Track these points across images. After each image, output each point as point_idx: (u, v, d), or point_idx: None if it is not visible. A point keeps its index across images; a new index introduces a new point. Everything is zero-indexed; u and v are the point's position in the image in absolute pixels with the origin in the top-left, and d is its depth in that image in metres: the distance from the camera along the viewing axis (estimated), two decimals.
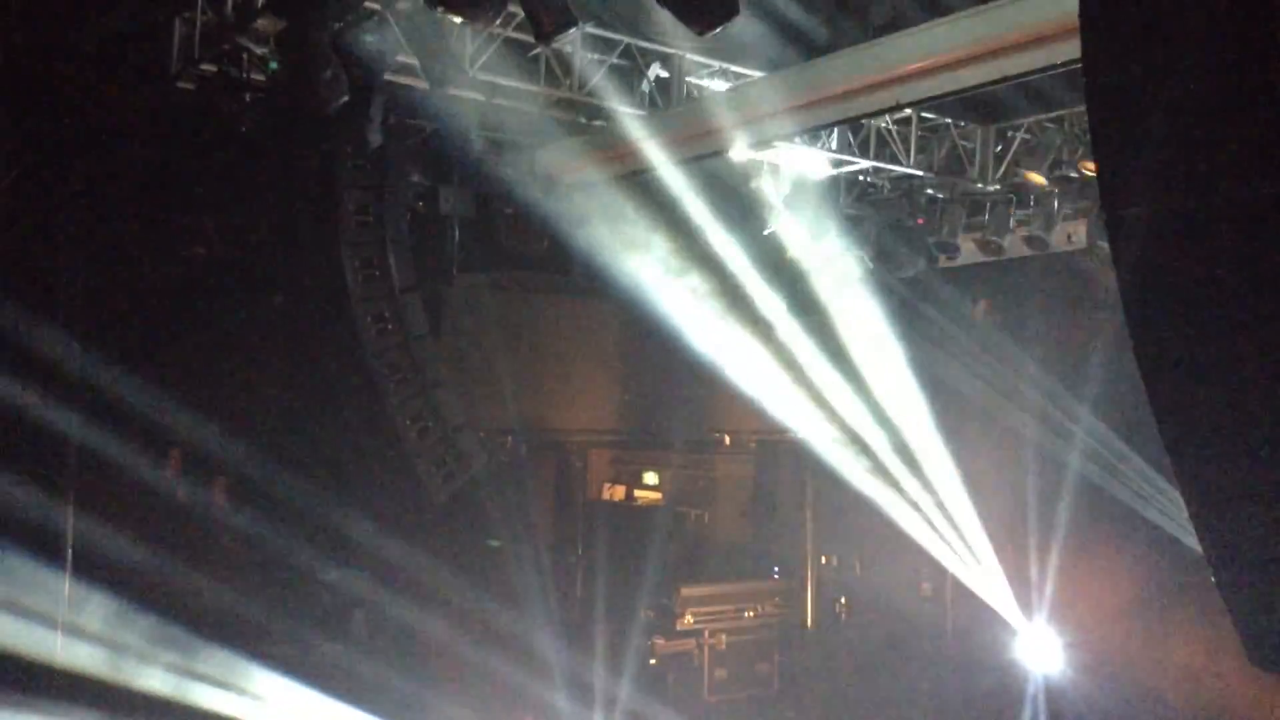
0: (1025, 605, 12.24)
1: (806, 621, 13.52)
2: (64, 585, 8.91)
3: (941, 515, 12.28)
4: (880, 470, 12.32)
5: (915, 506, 12.30)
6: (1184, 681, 11.28)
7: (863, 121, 10.48)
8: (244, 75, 8.57)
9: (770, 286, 11.81)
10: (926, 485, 12.30)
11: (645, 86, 9.56)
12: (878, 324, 12.03)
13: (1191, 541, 10.54)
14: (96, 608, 8.96)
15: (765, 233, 11.50)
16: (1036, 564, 11.99)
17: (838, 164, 11.23)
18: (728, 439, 14.71)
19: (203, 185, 9.91)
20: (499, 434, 12.59)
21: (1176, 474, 2.11)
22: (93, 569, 9.00)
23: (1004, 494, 12.35)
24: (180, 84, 8.64)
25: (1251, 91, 1.98)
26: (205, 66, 8.60)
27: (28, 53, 8.52)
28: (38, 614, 8.68)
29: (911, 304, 12.57)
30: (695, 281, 11.59)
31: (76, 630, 8.85)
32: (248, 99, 8.80)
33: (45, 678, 8.54)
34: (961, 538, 12.29)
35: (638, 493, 13.99)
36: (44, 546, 8.79)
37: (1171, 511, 11.09)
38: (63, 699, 8.47)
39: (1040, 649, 12.07)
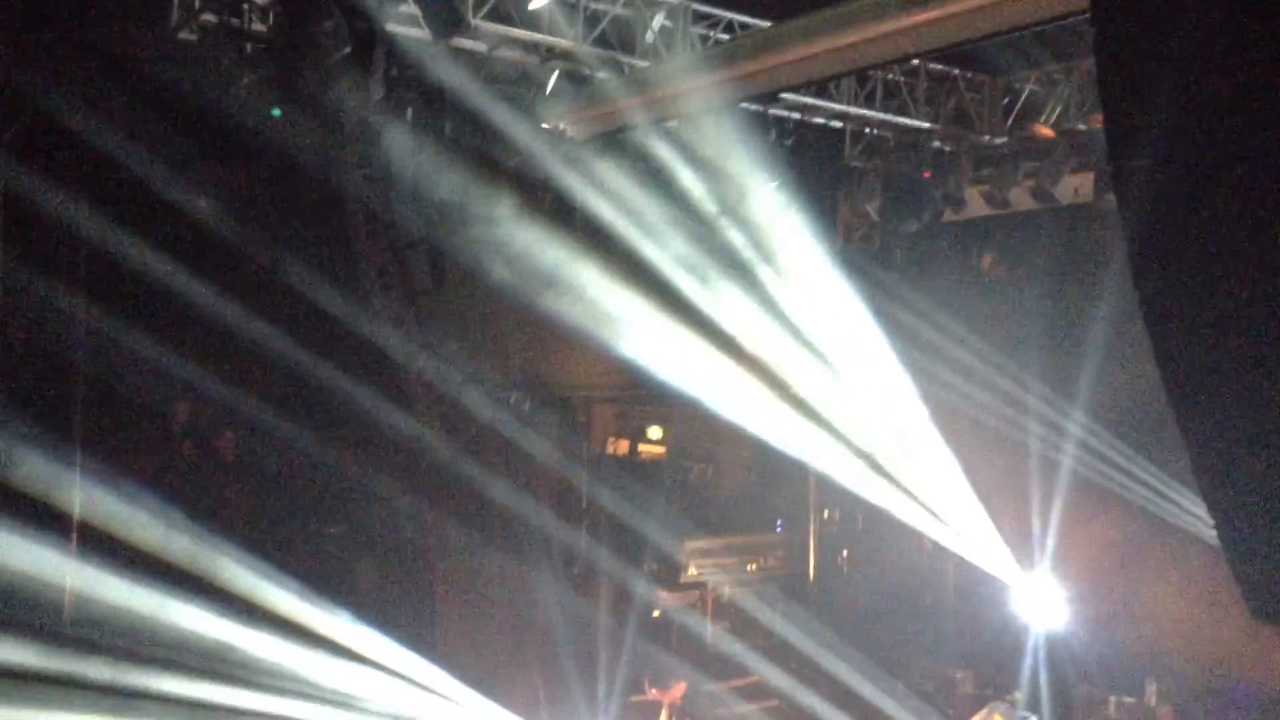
0: (1025, 559, 12.29)
1: (809, 574, 13.61)
2: (71, 543, 8.96)
3: (937, 474, 12.23)
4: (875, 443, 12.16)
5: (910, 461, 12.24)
6: (1182, 634, 11.36)
7: (870, 74, 10.37)
8: (245, 26, 8.48)
9: (754, 252, 11.45)
10: (922, 442, 12.24)
11: (649, 37, 9.46)
12: (868, 293, 11.73)
13: (1181, 503, 10.62)
14: (103, 570, 8.97)
15: (760, 189, 11.21)
16: (1038, 519, 12.01)
17: (845, 116, 11.12)
18: None
19: (203, 139, 9.82)
20: (502, 389, 12.59)
21: (1178, 422, 2.11)
22: (100, 523, 9.04)
23: (1004, 449, 12.35)
24: (181, 35, 8.56)
25: (1262, 41, 1.95)
26: (206, 17, 8.51)
27: (25, 4, 8.43)
28: (45, 578, 8.71)
29: (907, 267, 12.40)
30: (678, 247, 11.16)
31: (84, 590, 8.89)
32: (249, 50, 8.71)
33: (52, 638, 8.59)
34: (958, 497, 12.25)
35: (642, 447, 14.02)
36: (52, 503, 8.84)
37: (1165, 479, 11.10)
38: (70, 653, 8.52)
39: (1040, 602, 12.14)
